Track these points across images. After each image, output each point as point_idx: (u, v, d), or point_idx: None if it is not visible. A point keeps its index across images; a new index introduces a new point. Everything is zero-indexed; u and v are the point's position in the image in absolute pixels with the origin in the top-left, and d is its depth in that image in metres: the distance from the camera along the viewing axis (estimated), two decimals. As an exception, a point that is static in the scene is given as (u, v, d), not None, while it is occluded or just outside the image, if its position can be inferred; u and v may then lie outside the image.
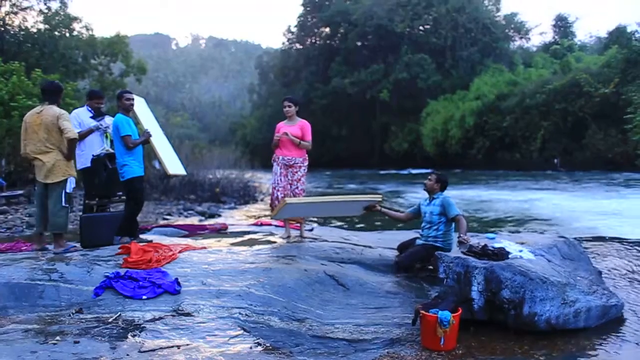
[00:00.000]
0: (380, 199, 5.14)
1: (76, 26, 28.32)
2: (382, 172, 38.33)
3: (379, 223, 10.84)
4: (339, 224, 11.39)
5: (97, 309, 3.71)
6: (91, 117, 5.88)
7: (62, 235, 5.24)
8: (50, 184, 5.12)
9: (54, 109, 5.16)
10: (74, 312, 3.65)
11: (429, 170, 38.68)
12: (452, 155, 40.78)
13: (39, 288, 3.96)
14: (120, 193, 5.88)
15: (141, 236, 5.62)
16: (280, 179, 5.61)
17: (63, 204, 5.17)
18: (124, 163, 5.26)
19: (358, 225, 11.04)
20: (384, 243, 5.37)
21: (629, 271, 4.93)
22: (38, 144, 5.07)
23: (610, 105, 30.46)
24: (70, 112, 5.90)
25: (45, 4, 26.88)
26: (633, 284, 4.59)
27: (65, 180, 5.17)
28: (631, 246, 5.98)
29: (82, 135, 5.70)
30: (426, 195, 4.99)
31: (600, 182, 22.15)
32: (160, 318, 3.51)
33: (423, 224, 4.93)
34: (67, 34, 27.36)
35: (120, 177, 5.32)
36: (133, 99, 5.50)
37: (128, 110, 5.46)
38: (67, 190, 5.20)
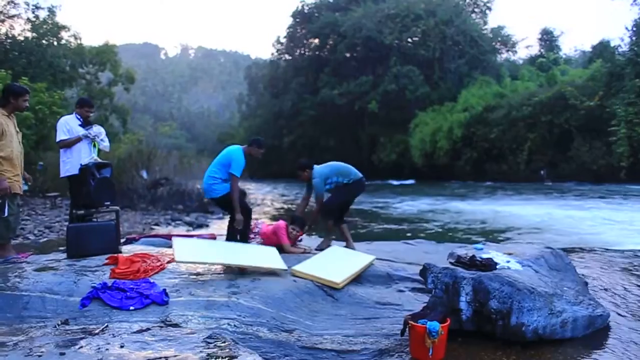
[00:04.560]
0: (373, 259, 5.19)
1: (64, 35, 28.22)
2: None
3: (362, 231, 10.85)
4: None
5: (84, 320, 3.68)
6: (80, 125, 5.87)
7: (2, 245, 5.19)
8: None
9: None
10: (59, 323, 3.61)
11: (412, 182, 38.83)
12: (440, 167, 40.99)
13: (23, 299, 3.91)
14: (108, 203, 5.84)
15: (123, 247, 5.61)
16: None
17: (5, 214, 5.07)
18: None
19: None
20: (373, 254, 5.38)
21: (614, 281, 4.98)
22: None
23: (595, 117, 30.89)
24: (57, 121, 5.90)
25: (33, 12, 26.74)
26: (618, 293, 4.64)
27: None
28: (617, 256, 6.05)
29: (70, 143, 5.69)
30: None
31: (585, 194, 22.42)
32: (148, 329, 3.48)
33: None
34: (55, 43, 27.22)
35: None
36: None
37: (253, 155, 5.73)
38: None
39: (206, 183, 5.45)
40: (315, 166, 6.05)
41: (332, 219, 6.04)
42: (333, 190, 6.01)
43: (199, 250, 4.66)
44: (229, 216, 5.62)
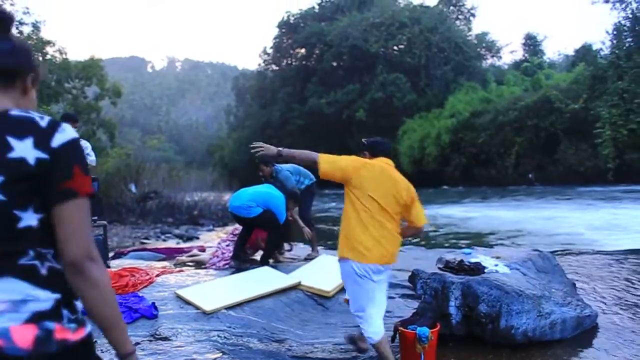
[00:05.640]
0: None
1: (49, 50, 28.09)
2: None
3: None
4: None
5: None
6: None
7: None
8: None
9: None
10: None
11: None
12: (429, 173, 41.13)
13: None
14: (95, 217, 5.81)
15: (111, 262, 5.58)
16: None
17: None
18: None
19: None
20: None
21: (602, 282, 5.03)
22: None
23: (580, 120, 31.25)
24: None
25: (16, 28, 26.59)
26: (606, 294, 4.69)
27: None
28: (604, 257, 6.11)
29: None
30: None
31: (573, 196, 22.60)
32: (137, 343, 3.45)
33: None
34: (40, 58, 27.06)
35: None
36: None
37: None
38: None
39: (243, 203, 5.44)
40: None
41: (313, 229, 6.21)
42: (301, 195, 6.11)
43: (215, 293, 4.41)
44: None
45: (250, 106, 62.63)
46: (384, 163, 3.19)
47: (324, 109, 48.89)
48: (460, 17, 54.88)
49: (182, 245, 10.51)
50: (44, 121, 1.16)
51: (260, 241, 5.79)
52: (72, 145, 1.17)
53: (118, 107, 40.25)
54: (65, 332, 1.12)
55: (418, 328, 3.34)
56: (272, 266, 5.21)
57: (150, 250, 7.43)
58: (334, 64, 52.26)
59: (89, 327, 1.19)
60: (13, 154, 1.11)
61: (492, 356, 3.48)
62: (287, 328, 3.89)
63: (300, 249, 6.90)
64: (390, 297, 4.65)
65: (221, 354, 3.35)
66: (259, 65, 62.88)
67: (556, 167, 33.20)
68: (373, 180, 3.05)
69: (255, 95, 61.13)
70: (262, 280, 4.69)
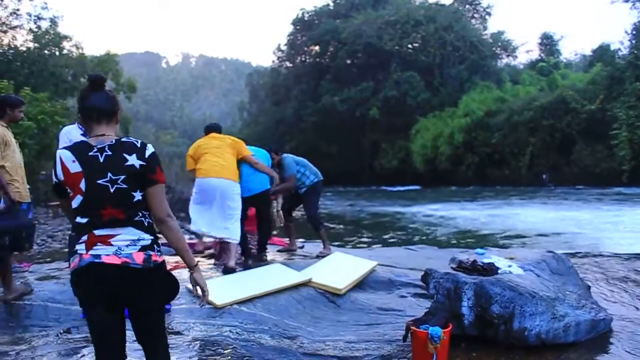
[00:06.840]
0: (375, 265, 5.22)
1: (66, 45, 28.36)
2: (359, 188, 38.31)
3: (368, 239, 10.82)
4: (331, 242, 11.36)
5: (86, 328, 3.66)
6: (82, 135, 5.85)
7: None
8: None
9: None
10: (62, 331, 3.61)
11: (417, 187, 38.69)
12: (442, 172, 40.93)
13: (26, 308, 3.92)
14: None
15: None
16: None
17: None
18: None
19: (349, 243, 11.02)
20: (374, 259, 5.37)
21: (616, 285, 4.97)
22: None
23: (597, 121, 30.88)
24: (59, 131, 5.90)
25: (35, 23, 26.95)
26: (621, 297, 4.63)
27: None
28: (619, 260, 6.03)
29: None
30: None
31: (587, 198, 22.37)
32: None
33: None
34: (57, 53, 27.38)
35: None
36: None
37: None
38: None
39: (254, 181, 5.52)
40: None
41: (322, 227, 6.09)
42: (307, 192, 6.05)
43: (226, 288, 4.40)
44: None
45: (264, 103, 62.70)
46: (208, 137, 5.39)
47: (338, 107, 48.79)
48: (475, 15, 54.49)
49: (194, 240, 10.54)
50: (138, 143, 2.07)
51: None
52: (154, 155, 2.08)
53: (132, 102, 40.62)
54: (156, 256, 2.06)
55: (430, 328, 3.33)
56: (284, 263, 5.22)
57: (163, 245, 7.46)
58: (348, 61, 52.13)
59: (164, 256, 2.12)
60: (128, 163, 2.02)
61: (505, 358, 3.46)
62: (299, 325, 3.90)
63: (312, 246, 6.91)
64: (402, 296, 4.66)
65: (233, 349, 3.37)
66: (273, 62, 62.87)
67: (571, 168, 32.87)
68: (205, 144, 5.27)
69: (269, 92, 61.17)
70: (273, 276, 4.70)
